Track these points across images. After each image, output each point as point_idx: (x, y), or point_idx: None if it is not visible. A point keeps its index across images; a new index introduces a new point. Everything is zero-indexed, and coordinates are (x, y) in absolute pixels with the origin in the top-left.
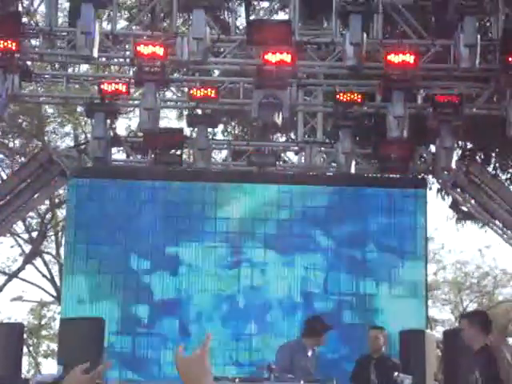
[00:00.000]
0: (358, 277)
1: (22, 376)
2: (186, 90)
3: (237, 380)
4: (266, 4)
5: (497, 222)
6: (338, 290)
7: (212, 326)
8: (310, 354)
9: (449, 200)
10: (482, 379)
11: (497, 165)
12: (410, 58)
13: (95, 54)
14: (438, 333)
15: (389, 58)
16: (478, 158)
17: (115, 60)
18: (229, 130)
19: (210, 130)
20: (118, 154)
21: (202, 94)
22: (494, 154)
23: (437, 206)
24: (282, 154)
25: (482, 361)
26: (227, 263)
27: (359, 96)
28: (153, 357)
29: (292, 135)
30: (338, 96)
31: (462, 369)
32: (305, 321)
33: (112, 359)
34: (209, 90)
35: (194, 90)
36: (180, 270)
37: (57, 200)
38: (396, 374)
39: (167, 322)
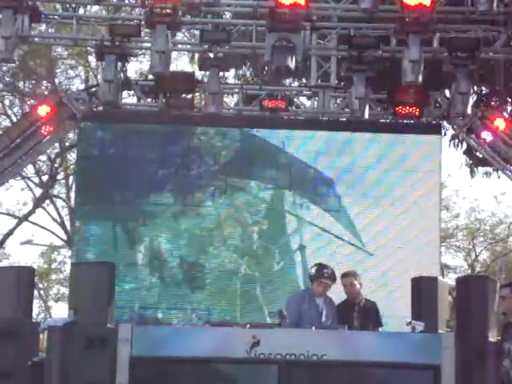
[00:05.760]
0: None
1: (33, 320)
2: (197, 32)
3: (247, 326)
4: None
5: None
6: None
7: None
8: (319, 302)
9: (462, 147)
10: None
11: None
12: (426, 1)
13: None
14: (450, 280)
15: (404, 0)
16: (493, 103)
17: (126, 1)
18: (241, 74)
19: (221, 74)
20: (128, 98)
21: None
22: (509, 99)
23: (450, 153)
24: (295, 99)
25: None
26: None
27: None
28: None
29: (304, 80)
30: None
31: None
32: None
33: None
34: None
35: None
36: None
37: (67, 143)
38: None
39: None
